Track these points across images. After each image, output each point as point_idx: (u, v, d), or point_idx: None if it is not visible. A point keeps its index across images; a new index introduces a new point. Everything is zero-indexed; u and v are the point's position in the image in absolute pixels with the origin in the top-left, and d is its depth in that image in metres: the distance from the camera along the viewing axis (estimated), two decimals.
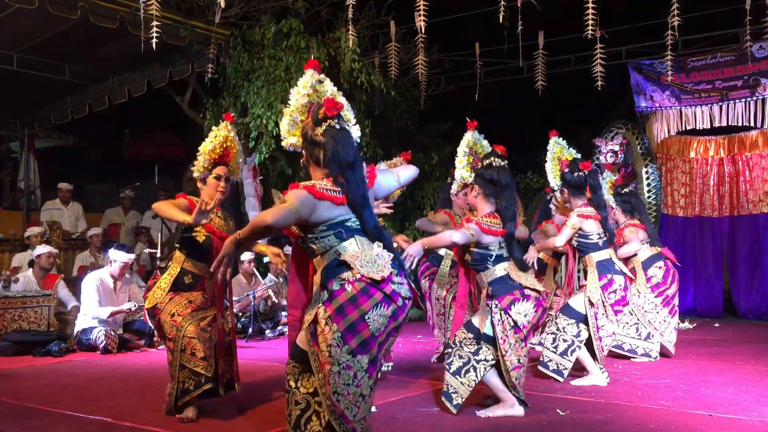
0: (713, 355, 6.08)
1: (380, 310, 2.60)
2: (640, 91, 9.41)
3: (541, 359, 4.84)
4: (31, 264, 7.34)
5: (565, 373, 4.74)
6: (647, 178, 9.24)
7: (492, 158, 3.96)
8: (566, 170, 4.80)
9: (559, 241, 4.80)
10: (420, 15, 5.55)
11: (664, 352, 5.89)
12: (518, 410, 3.89)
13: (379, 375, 2.79)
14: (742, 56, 8.62)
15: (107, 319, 6.46)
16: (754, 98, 8.76)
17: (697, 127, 9.22)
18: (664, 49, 6.12)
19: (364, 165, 2.87)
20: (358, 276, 2.60)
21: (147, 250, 8.80)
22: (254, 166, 8.56)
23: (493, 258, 3.91)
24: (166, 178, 12.39)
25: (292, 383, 2.72)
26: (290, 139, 2.87)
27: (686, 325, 7.86)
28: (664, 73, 8.55)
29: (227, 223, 4.06)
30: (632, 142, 9.32)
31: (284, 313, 7.93)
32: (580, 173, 4.75)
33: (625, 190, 5.90)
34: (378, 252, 2.69)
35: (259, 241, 4.15)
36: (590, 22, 5.50)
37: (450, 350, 4.01)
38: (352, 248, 2.68)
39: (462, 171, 4.26)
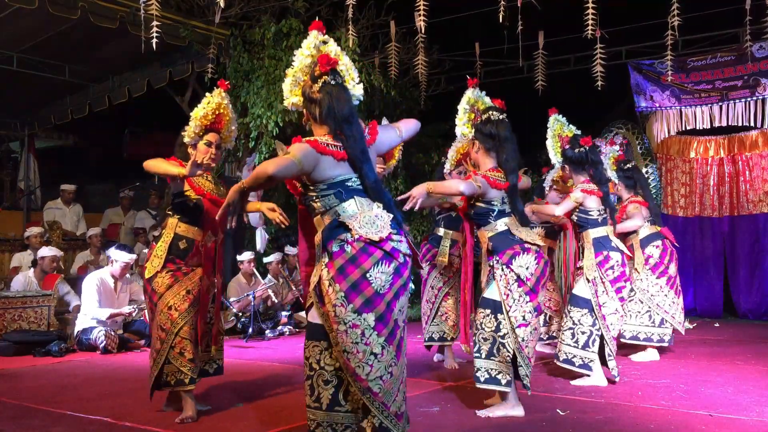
0: (713, 355, 6.08)
1: (382, 267, 2.66)
2: (640, 91, 9.41)
3: (564, 357, 4.75)
4: (34, 264, 7.34)
5: (592, 365, 4.69)
6: (647, 178, 9.24)
7: (490, 112, 3.98)
8: (567, 146, 4.82)
9: (559, 210, 4.80)
10: (420, 15, 5.55)
11: (668, 347, 5.91)
12: (518, 411, 3.87)
13: (403, 342, 2.77)
14: (742, 56, 8.62)
15: (106, 320, 6.46)
16: (754, 98, 8.75)
17: (697, 127, 9.22)
18: (664, 49, 6.11)
19: (362, 122, 2.90)
20: (357, 236, 2.65)
21: (147, 251, 8.80)
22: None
23: (495, 213, 3.92)
24: (166, 179, 12.36)
25: (315, 365, 2.71)
26: (291, 99, 2.90)
27: (686, 325, 7.84)
28: (664, 73, 8.55)
29: (218, 187, 4.00)
30: (632, 142, 9.31)
31: (284, 313, 7.94)
32: (581, 149, 4.77)
33: (628, 165, 5.91)
34: (377, 213, 2.74)
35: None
36: (590, 22, 5.50)
37: (474, 334, 3.95)
38: (352, 209, 2.73)
39: (462, 127, 4.22)
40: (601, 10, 5.56)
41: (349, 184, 2.76)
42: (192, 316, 3.84)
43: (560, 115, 4.90)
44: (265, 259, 8.36)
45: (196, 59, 8.40)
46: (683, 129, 9.33)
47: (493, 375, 3.85)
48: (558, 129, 4.89)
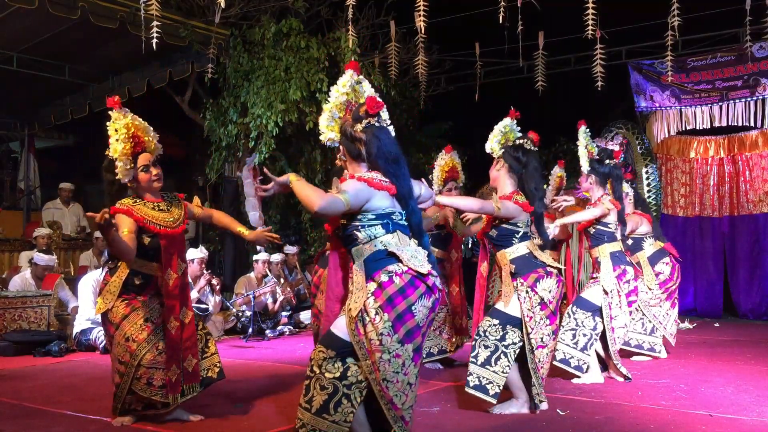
0: (713, 355, 6.08)
1: (424, 301, 2.76)
2: (640, 91, 9.41)
3: (561, 357, 4.77)
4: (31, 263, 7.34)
5: (585, 368, 4.76)
6: (647, 178, 9.24)
7: (525, 140, 4.07)
8: (596, 159, 4.93)
9: (589, 214, 4.81)
10: (420, 15, 5.55)
11: (667, 350, 5.91)
12: (526, 409, 3.92)
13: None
14: (742, 56, 8.62)
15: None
16: (754, 98, 8.76)
17: (697, 127, 9.23)
18: (664, 49, 6.12)
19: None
20: (405, 269, 2.74)
21: None
22: (254, 166, 8.56)
23: (519, 235, 3.97)
24: (166, 179, 12.36)
25: (317, 369, 2.78)
26: (329, 134, 2.98)
27: (686, 325, 7.86)
28: (664, 73, 8.55)
29: (170, 211, 3.71)
30: (632, 142, 9.32)
31: (284, 313, 7.94)
32: (610, 162, 4.92)
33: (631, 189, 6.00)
34: (415, 248, 2.84)
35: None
36: (590, 22, 5.50)
37: (474, 341, 3.95)
38: (395, 242, 2.81)
39: (494, 145, 4.10)
40: (601, 10, 5.56)
41: (395, 217, 2.85)
42: (153, 344, 3.59)
43: (587, 128, 4.94)
44: (271, 258, 8.38)
45: (196, 59, 8.40)
46: (683, 129, 9.34)
47: (482, 383, 3.88)
48: (586, 141, 4.95)
